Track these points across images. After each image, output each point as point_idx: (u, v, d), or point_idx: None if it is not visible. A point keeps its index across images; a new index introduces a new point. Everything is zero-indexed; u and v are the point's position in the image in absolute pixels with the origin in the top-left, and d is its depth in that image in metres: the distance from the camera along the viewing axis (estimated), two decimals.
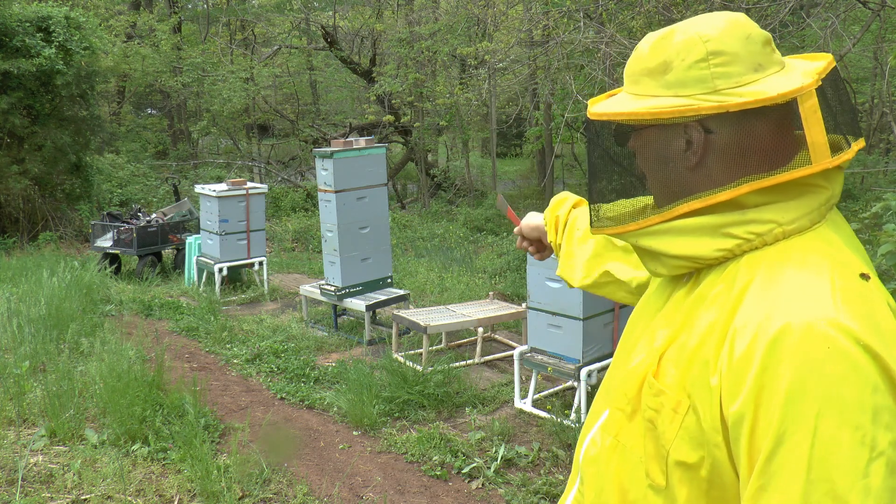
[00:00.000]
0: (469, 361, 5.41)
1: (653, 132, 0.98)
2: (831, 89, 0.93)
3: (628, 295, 1.35)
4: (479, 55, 10.45)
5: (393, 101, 14.60)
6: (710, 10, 6.46)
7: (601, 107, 1.04)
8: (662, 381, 0.94)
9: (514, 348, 4.93)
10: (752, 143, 0.93)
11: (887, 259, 3.25)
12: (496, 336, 6.09)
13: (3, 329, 5.17)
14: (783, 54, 1.02)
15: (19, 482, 3.20)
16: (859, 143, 0.94)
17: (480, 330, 5.60)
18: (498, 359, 5.57)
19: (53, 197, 11.67)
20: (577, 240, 1.44)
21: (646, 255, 1.03)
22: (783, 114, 0.93)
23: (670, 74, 0.95)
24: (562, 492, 1.21)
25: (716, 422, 0.86)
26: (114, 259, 9.00)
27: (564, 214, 1.50)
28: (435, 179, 16.74)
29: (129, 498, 3.22)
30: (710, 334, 0.90)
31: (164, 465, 3.57)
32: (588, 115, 1.04)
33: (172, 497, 3.28)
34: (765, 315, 0.84)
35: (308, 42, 18.77)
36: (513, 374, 4.69)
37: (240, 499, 3.33)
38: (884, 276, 3.63)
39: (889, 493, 0.76)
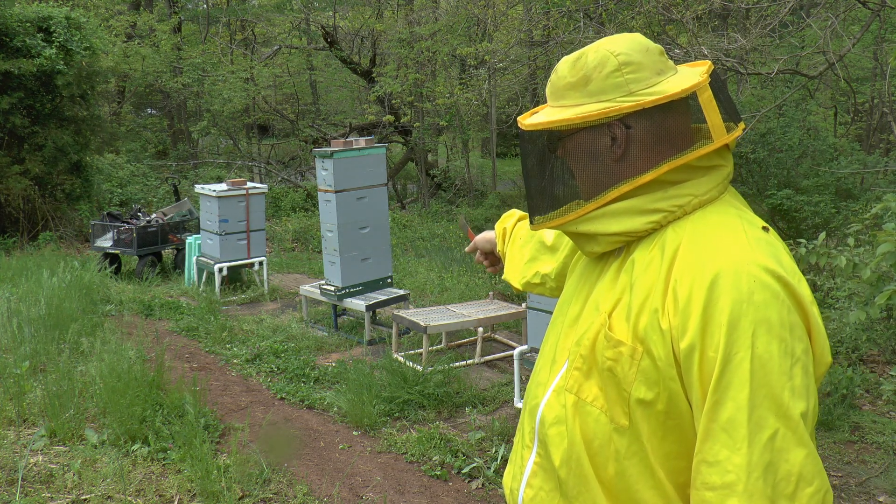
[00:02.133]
0: (469, 361, 5.41)
1: (583, 134, 1.17)
2: (717, 86, 1.15)
3: (552, 287, 1.56)
4: (479, 55, 10.45)
5: (393, 102, 14.60)
6: (710, 10, 6.46)
7: (533, 120, 1.21)
8: (618, 334, 1.10)
9: (514, 348, 4.93)
10: (664, 132, 1.13)
11: (886, 259, 3.25)
12: (496, 336, 6.09)
13: (3, 329, 5.16)
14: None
15: (19, 482, 3.21)
16: (741, 125, 1.17)
17: (480, 330, 5.60)
18: (498, 359, 5.57)
19: (53, 197, 11.66)
20: (518, 248, 1.67)
21: (582, 238, 1.21)
22: (685, 107, 1.14)
23: (592, 85, 1.14)
24: None
25: (670, 358, 1.04)
26: (114, 259, 9.00)
27: (510, 227, 1.74)
28: (435, 179, 16.74)
29: (129, 498, 3.22)
30: (654, 289, 1.08)
31: (164, 465, 3.57)
32: (523, 129, 1.21)
33: (172, 497, 3.28)
34: (699, 266, 1.03)
35: (308, 42, 18.78)
36: (513, 374, 4.69)
37: (240, 499, 3.33)
38: (883, 277, 3.63)
39: (805, 390, 0.98)
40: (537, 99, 12.16)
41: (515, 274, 1.65)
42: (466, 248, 1.87)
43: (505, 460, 3.81)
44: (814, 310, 1.03)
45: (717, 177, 1.14)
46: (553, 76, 1.21)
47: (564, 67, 1.19)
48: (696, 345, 1.00)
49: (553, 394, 1.21)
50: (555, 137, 1.21)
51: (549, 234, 1.56)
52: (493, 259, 1.83)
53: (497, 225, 1.78)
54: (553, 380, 1.22)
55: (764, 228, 1.11)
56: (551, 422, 1.19)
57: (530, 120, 1.22)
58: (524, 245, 1.64)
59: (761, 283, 0.99)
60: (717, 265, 1.02)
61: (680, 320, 1.02)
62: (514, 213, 1.77)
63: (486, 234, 1.82)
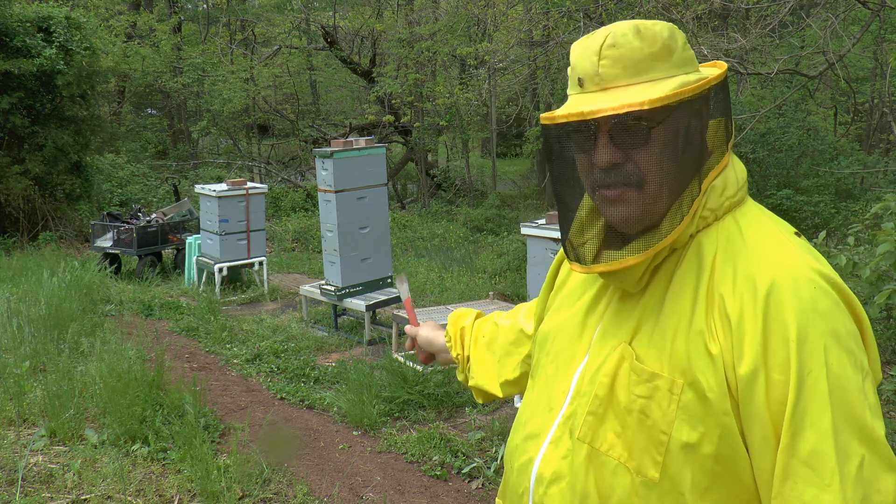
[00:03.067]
0: None
1: (681, 112, 0.93)
2: None
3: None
4: (479, 55, 10.45)
5: (393, 102, 14.60)
6: (710, 10, 6.47)
7: (618, 101, 0.90)
8: (650, 366, 0.93)
9: None
10: (722, 112, 1.00)
11: (885, 258, 3.25)
12: None
13: (3, 329, 5.16)
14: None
15: (19, 482, 3.21)
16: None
17: None
18: None
19: (53, 197, 11.66)
20: (484, 348, 1.40)
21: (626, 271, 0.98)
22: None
23: (675, 55, 0.96)
24: None
25: (723, 388, 0.88)
26: (114, 259, 9.00)
27: (469, 326, 1.44)
28: (435, 179, 16.74)
29: (129, 498, 3.22)
30: (692, 309, 0.92)
31: (164, 465, 3.57)
32: (614, 114, 0.89)
33: (172, 497, 3.28)
34: (748, 277, 0.89)
35: (308, 42, 18.78)
36: None
37: (240, 499, 3.33)
38: (883, 276, 3.63)
39: (877, 406, 0.86)
40: (537, 99, 12.15)
41: (490, 379, 1.37)
42: (405, 345, 1.54)
43: None
44: (866, 317, 0.91)
45: (741, 177, 1.00)
46: (613, 52, 0.94)
47: (630, 38, 0.94)
48: (759, 368, 0.85)
49: (550, 445, 1.02)
50: (653, 122, 0.92)
51: (528, 323, 1.32)
52: (428, 357, 1.53)
53: (449, 327, 1.47)
54: (549, 430, 1.03)
55: (797, 233, 0.98)
56: (550, 479, 1.01)
57: (609, 103, 0.91)
58: (491, 343, 1.39)
59: (822, 290, 0.87)
60: (769, 274, 0.88)
61: (734, 341, 0.87)
62: (468, 311, 1.49)
63: (429, 335, 1.50)
